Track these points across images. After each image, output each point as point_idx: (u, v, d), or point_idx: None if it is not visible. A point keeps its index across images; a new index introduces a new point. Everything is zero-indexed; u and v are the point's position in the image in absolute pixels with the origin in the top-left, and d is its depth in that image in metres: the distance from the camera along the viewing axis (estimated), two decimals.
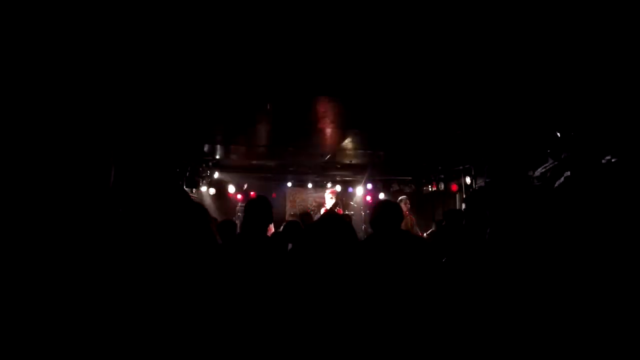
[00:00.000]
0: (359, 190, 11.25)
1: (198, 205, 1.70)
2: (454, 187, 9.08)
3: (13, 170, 0.87)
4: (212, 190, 9.46)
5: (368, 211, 9.81)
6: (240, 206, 10.48)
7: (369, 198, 11.28)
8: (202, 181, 8.74)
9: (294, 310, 2.23)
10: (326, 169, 10.06)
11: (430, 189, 10.08)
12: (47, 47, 2.97)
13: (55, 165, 0.90)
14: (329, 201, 7.95)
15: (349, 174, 10.78)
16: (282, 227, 4.65)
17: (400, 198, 7.65)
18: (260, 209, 3.31)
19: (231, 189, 10.41)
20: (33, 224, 0.85)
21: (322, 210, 7.78)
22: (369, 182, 10.96)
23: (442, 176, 9.39)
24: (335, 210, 7.73)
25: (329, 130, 6.24)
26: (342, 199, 10.53)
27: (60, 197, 0.89)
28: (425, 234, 7.71)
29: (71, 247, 0.86)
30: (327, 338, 2.07)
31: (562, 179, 4.77)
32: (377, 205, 3.26)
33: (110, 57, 3.38)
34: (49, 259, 0.84)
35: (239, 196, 10.82)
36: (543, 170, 5.63)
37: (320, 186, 11.58)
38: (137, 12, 2.80)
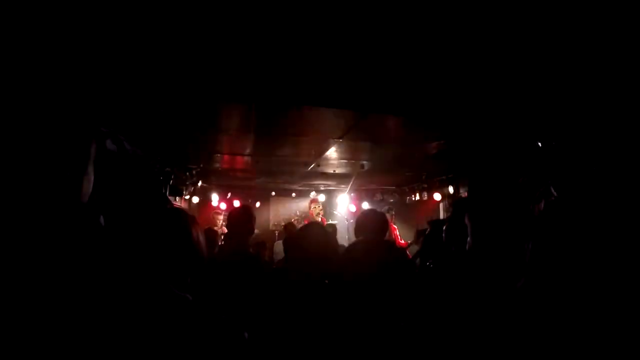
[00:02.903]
0: (343, 200, 11.26)
1: (182, 214, 1.67)
2: (438, 197, 9.14)
3: None
4: (196, 199, 9.38)
5: (352, 220, 9.82)
6: (224, 214, 10.39)
7: (352, 207, 11.29)
8: (186, 189, 8.65)
9: (274, 322, 2.21)
10: (310, 178, 10.05)
11: (413, 199, 10.13)
12: (25, 48, 2.92)
13: (30, 171, 0.88)
14: (313, 209, 7.92)
15: (332, 183, 10.78)
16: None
17: (386, 208, 7.68)
18: (241, 220, 3.27)
19: (214, 197, 10.34)
20: (6, 231, 0.83)
21: (305, 221, 7.75)
22: (353, 192, 10.98)
23: (426, 186, 9.45)
24: (319, 219, 7.71)
25: (312, 140, 6.25)
26: (327, 207, 10.52)
27: (36, 204, 0.87)
28: (409, 243, 7.73)
29: (47, 255, 0.83)
30: (309, 348, 2.06)
31: (544, 188, 4.83)
32: (362, 214, 3.26)
33: (89, 61, 3.34)
34: (24, 267, 0.82)
35: (223, 205, 10.74)
36: (525, 179, 5.70)
37: (304, 195, 11.56)
38: (121, 16, 2.78)
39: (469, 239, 2.44)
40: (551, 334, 1.53)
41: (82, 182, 1.01)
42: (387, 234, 7.47)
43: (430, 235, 4.17)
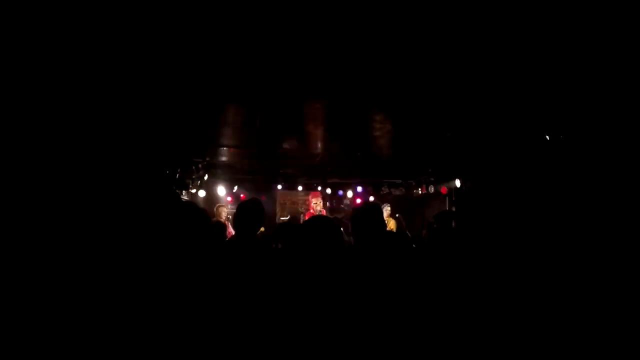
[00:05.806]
0: (349, 193, 11.25)
1: (194, 207, 1.68)
2: (444, 190, 9.11)
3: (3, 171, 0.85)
4: (202, 192, 9.39)
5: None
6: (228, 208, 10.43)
7: (358, 201, 11.28)
8: (192, 183, 8.67)
9: (286, 315, 2.22)
10: (316, 172, 10.04)
11: (420, 192, 10.10)
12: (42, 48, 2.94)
13: (47, 167, 0.88)
14: (314, 204, 7.88)
15: (339, 176, 10.77)
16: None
17: (383, 205, 7.68)
18: (251, 212, 3.28)
19: (221, 191, 10.35)
20: (24, 225, 0.84)
21: (306, 215, 7.73)
22: (359, 185, 10.97)
23: (432, 179, 9.42)
24: (320, 212, 7.67)
25: (318, 133, 6.24)
26: (333, 201, 10.49)
27: (53, 198, 0.88)
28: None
29: (61, 248, 0.84)
30: (320, 341, 2.07)
31: (551, 181, 4.81)
32: (355, 212, 3.18)
33: (101, 62, 3.36)
34: (38, 259, 0.82)
35: (229, 198, 10.77)
36: (532, 172, 5.68)
37: (310, 189, 11.55)
38: (129, 16, 2.79)
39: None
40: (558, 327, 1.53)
41: (100, 175, 1.02)
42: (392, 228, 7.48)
43: (437, 229, 4.18)
